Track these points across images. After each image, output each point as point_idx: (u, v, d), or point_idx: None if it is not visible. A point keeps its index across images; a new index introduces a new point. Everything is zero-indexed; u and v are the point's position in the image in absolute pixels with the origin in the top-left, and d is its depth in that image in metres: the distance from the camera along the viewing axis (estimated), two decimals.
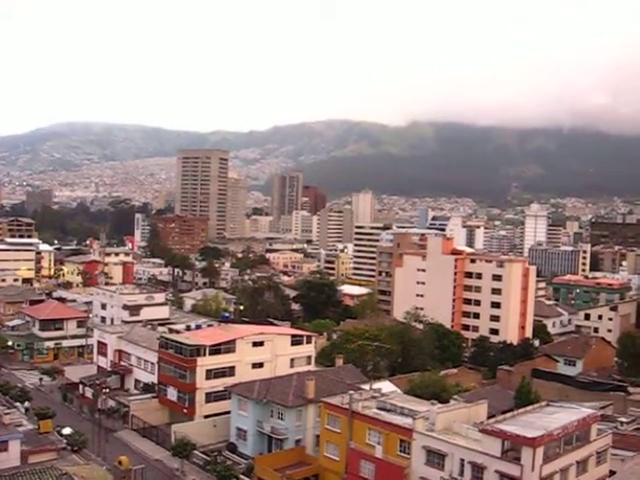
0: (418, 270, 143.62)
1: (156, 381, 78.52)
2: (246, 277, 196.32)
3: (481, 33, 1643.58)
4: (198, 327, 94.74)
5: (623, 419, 69.10)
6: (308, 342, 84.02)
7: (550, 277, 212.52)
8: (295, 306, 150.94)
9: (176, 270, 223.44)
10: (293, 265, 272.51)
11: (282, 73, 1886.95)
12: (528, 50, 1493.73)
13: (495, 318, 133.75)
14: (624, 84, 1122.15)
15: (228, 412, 68.91)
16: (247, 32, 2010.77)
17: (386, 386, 70.42)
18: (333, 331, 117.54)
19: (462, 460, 48.35)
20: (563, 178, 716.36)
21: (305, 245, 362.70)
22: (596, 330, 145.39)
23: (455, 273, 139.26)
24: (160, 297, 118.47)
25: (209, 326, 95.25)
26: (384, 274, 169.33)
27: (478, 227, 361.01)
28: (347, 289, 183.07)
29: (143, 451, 67.44)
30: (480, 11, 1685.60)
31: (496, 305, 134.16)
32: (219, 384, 72.08)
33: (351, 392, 58.80)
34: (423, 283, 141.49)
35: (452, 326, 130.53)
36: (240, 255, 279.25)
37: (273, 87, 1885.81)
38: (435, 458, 50.03)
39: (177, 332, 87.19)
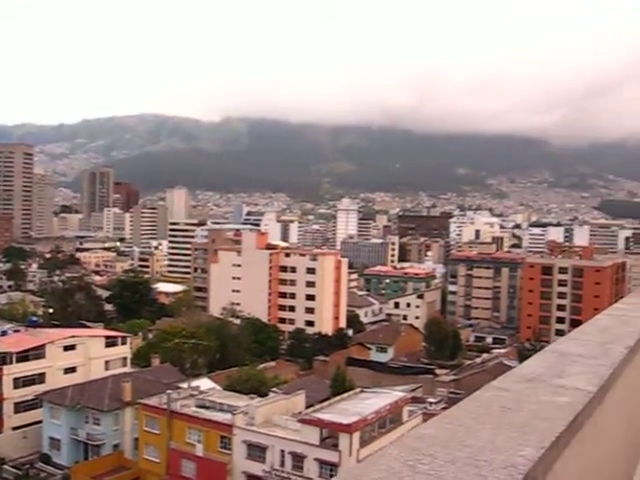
0: (233, 265, 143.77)
1: None
2: (55, 278, 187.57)
3: (295, 33, 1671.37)
4: (3, 333, 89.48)
5: (432, 400, 73.17)
6: (123, 343, 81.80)
7: (361, 268, 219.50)
8: (109, 306, 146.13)
9: None
10: (105, 264, 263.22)
11: (91, 64, 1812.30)
12: (339, 50, 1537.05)
13: (310, 310, 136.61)
14: (428, 85, 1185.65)
15: (41, 421, 65.67)
16: (52, 21, 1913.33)
17: (205, 383, 70.01)
18: (149, 330, 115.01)
19: (282, 451, 49.11)
20: (373, 174, 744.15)
21: (118, 243, 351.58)
22: (405, 317, 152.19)
23: (270, 267, 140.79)
24: None
25: (16, 332, 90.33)
26: (200, 270, 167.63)
27: (292, 222, 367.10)
28: (162, 287, 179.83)
29: None
30: (292, 15, 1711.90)
31: (311, 297, 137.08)
32: (29, 393, 68.35)
33: (169, 392, 57.94)
34: (239, 278, 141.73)
35: (269, 320, 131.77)
36: (48, 255, 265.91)
37: (82, 78, 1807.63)
38: (256, 451, 50.45)
39: None
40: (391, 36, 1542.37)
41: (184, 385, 64.95)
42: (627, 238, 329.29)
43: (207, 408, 56.20)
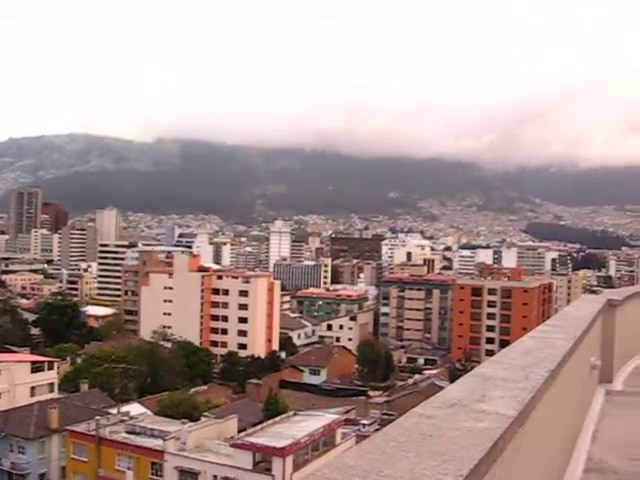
0: (165, 288, 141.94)
1: None
2: None
3: (227, 55, 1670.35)
4: None
5: (365, 421, 73.49)
6: (50, 368, 79.67)
7: (294, 290, 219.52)
8: (35, 330, 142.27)
9: None
10: (32, 287, 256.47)
11: (18, 81, 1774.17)
12: (272, 72, 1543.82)
13: (243, 333, 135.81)
14: (358, 109, 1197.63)
15: None
16: None
17: (135, 408, 68.71)
18: (77, 355, 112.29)
19: (215, 476, 48.54)
20: (305, 196, 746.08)
21: (45, 265, 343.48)
22: (338, 339, 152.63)
23: (202, 290, 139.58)
24: None
25: None
26: (130, 293, 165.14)
27: (225, 244, 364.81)
28: (92, 310, 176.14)
29: None
30: (222, 36, 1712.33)
31: (243, 320, 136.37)
32: None
33: (98, 418, 56.62)
34: (170, 301, 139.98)
35: (201, 343, 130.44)
36: None
37: (8, 96, 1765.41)
38: (188, 477, 49.71)
39: None
40: (325, 58, 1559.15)
41: (113, 411, 63.62)
42: (553, 260, 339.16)
43: (137, 434, 55.14)
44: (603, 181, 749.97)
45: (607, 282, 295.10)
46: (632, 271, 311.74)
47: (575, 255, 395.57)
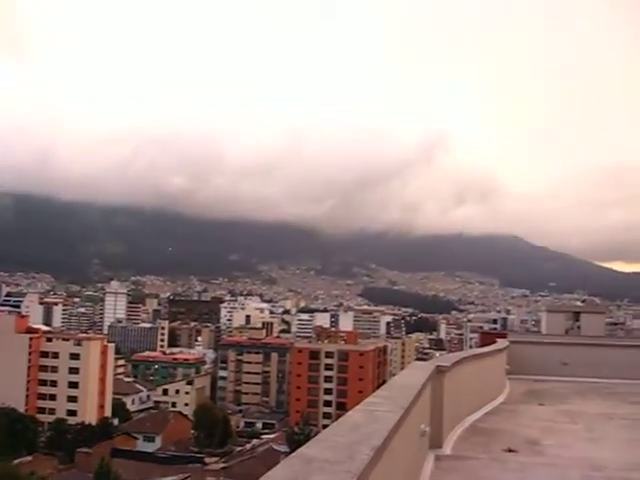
0: None
1: None
2: None
3: (66, 106, 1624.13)
4: None
5: None
6: None
7: (130, 354, 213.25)
8: None
9: None
10: None
11: None
12: (112, 124, 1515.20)
13: (73, 399, 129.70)
14: (200, 170, 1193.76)
15: None
16: None
17: None
18: None
19: None
20: (144, 256, 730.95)
21: None
22: (174, 404, 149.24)
23: (30, 353, 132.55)
24: None
25: None
26: None
27: (56, 304, 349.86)
28: None
29: None
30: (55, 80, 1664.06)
31: (74, 385, 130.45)
32: None
33: None
34: None
35: (26, 410, 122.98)
36: None
37: None
38: None
39: None
40: (163, 112, 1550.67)
41: None
42: (388, 323, 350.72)
43: None
44: (434, 248, 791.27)
45: (438, 345, 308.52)
46: (461, 334, 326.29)
47: (408, 319, 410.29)
